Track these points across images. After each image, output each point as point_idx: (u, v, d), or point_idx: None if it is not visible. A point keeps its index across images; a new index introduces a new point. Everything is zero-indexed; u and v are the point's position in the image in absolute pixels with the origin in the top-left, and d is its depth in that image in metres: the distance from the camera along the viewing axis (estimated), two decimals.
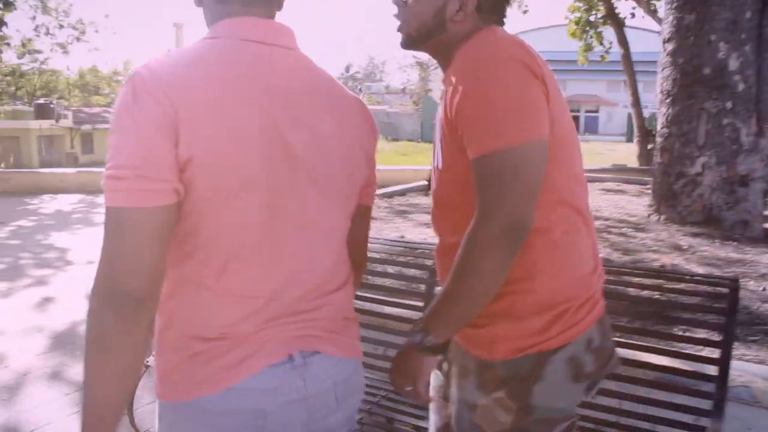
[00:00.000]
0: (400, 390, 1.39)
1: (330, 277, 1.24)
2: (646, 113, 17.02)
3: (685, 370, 2.35)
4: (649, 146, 15.78)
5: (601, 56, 19.09)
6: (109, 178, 1.02)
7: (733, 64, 5.76)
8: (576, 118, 66.08)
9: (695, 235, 5.70)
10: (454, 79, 1.23)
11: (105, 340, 1.02)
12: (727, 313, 2.20)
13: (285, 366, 1.16)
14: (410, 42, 1.37)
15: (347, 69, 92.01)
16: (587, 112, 66.07)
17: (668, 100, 6.13)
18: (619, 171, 13.19)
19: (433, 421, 1.63)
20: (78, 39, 33.22)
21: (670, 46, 6.08)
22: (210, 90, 1.06)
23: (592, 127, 63.65)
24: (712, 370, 2.27)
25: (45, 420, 3.24)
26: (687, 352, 2.62)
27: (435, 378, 1.59)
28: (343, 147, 1.22)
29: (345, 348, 1.27)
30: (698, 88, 5.89)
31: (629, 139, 47.99)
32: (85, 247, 7.45)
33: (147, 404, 3.33)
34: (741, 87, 5.79)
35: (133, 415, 3.03)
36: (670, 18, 6.08)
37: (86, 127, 34.53)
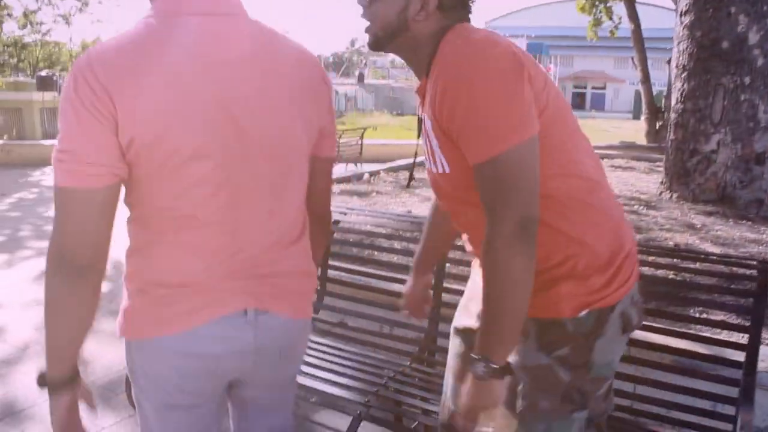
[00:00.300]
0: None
1: (287, 234, 1.33)
2: (653, 91, 16.72)
3: (703, 354, 2.25)
4: (658, 124, 15.57)
5: (611, 31, 18.77)
6: (54, 160, 1.12)
7: (753, 37, 5.58)
8: (582, 95, 65.61)
9: (708, 213, 5.57)
10: (441, 85, 1.23)
11: (56, 301, 1.18)
12: (756, 295, 2.09)
13: (239, 319, 1.28)
14: (377, 43, 1.37)
15: (352, 43, 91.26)
16: (594, 88, 65.47)
17: (684, 75, 5.96)
18: (628, 148, 13.01)
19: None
20: (81, 10, 32.82)
21: (687, 19, 5.89)
22: (148, 72, 1.11)
23: (598, 104, 63.12)
24: (734, 354, 2.17)
25: (42, 396, 3.16)
26: (704, 335, 2.51)
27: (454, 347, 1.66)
28: (291, 106, 1.27)
29: (296, 309, 1.37)
30: (715, 62, 5.72)
31: (636, 117, 47.55)
32: None
33: None
34: (760, 62, 5.62)
35: (131, 392, 2.94)
36: None
37: None
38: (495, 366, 1.25)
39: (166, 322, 1.25)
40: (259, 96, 1.22)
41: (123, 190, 1.21)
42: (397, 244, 3.75)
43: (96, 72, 1.09)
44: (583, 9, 18.32)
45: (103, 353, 3.67)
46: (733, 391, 2.10)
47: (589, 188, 1.35)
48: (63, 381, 1.25)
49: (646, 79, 15.97)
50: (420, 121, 1.41)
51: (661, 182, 6.38)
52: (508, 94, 1.18)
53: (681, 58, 5.99)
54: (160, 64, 1.12)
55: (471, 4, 1.37)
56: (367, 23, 1.37)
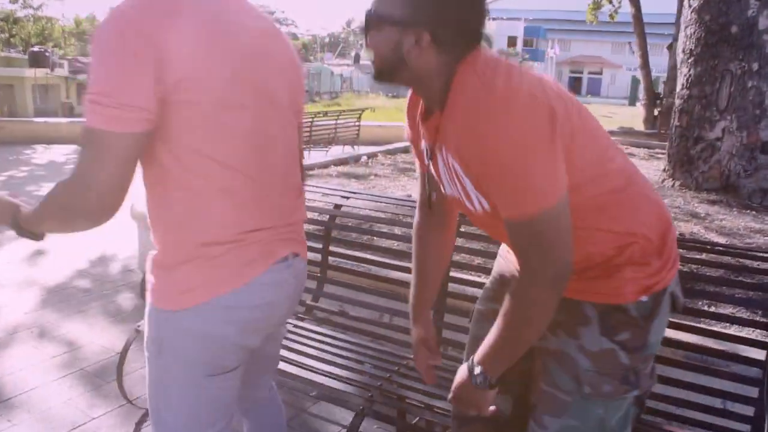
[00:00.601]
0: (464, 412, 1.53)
1: (297, 185, 1.49)
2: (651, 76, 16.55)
3: (718, 351, 2.16)
4: (656, 110, 15.46)
5: (610, 15, 18.59)
6: (91, 102, 1.13)
7: (764, 22, 5.45)
8: (579, 80, 65.41)
9: (712, 202, 5.48)
10: (470, 137, 1.23)
11: (61, 229, 1.33)
12: None
13: (283, 264, 1.40)
14: (380, 76, 1.38)
15: (348, 23, 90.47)
16: (590, 73, 65.27)
17: (690, 60, 5.84)
18: (626, 134, 12.92)
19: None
20: None
21: (695, 3, 5.75)
22: (187, 15, 1.19)
23: (594, 89, 62.95)
24: (748, 351, 2.09)
25: (30, 384, 3.06)
26: (720, 330, 2.43)
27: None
28: (295, 74, 1.45)
29: (306, 251, 1.53)
30: (724, 47, 5.60)
31: (632, 103, 47.45)
32: None
33: (139, 369, 3.15)
34: None
35: (122, 382, 2.85)
36: None
37: (82, 77, 33.90)
38: (492, 381, 1.38)
39: (226, 280, 1.30)
40: (272, 58, 1.36)
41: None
42: (397, 230, 3.64)
43: (137, 17, 1.14)
44: None
45: (93, 339, 3.56)
46: (751, 391, 2.02)
47: (627, 180, 1.37)
48: None
49: (645, 65, 15.81)
50: (427, 152, 1.43)
51: (664, 169, 6.27)
52: (544, 155, 1.18)
53: (688, 43, 5.86)
54: (195, 10, 1.21)
55: (478, 37, 1.30)
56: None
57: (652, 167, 7.40)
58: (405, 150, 8.09)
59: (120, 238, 5.18)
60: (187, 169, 1.25)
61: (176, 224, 1.29)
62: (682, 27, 6.00)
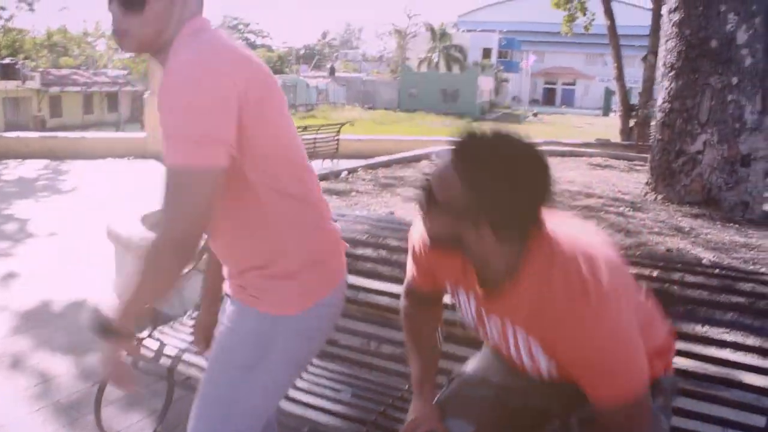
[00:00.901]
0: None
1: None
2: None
3: (716, 377, 2.10)
4: (632, 122, 15.60)
5: (585, 26, 18.81)
6: (181, 141, 1.26)
7: (742, 37, 5.49)
8: (553, 91, 66.14)
9: (695, 216, 5.48)
10: (555, 327, 1.35)
11: (159, 272, 1.34)
12: None
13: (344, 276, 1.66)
14: (437, 247, 1.49)
15: (324, 35, 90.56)
16: (564, 84, 66.00)
17: (672, 74, 5.86)
18: (604, 146, 12.98)
19: None
20: None
21: (676, 17, 5.78)
22: (249, 65, 1.37)
23: (568, 100, 63.62)
24: (746, 377, 2.04)
25: (2, 418, 2.91)
26: (710, 354, 2.37)
27: None
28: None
29: None
30: (704, 61, 5.62)
31: (605, 113, 48.03)
32: (49, 217, 7.00)
33: (116, 401, 3.01)
34: (748, 61, 5.53)
35: (100, 415, 2.71)
36: None
37: (54, 90, 33.46)
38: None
39: (329, 282, 1.57)
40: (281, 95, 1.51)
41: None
42: (384, 251, 3.54)
43: (225, 61, 1.32)
44: (557, 4, 18.31)
45: (68, 368, 3.41)
46: (753, 418, 1.96)
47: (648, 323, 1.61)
48: (128, 332, 1.42)
49: (620, 77, 15.95)
50: (467, 299, 1.55)
51: (646, 183, 6.27)
52: (637, 342, 1.36)
53: (669, 57, 5.88)
54: (248, 59, 1.38)
55: (538, 217, 1.33)
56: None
57: (632, 180, 7.40)
58: (386, 165, 8.01)
59: (96, 260, 5.02)
60: (277, 189, 1.44)
61: (284, 237, 1.48)
62: (663, 41, 6.03)
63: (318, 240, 1.53)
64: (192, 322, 2.76)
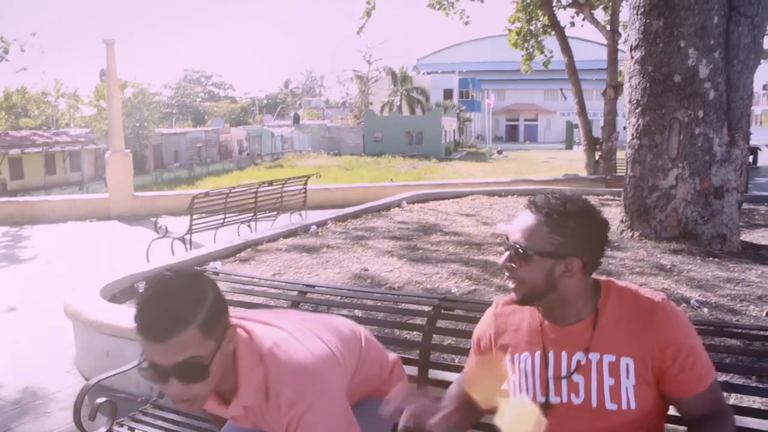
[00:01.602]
0: None
1: None
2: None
3: None
4: (597, 155, 15.74)
5: (544, 63, 19.09)
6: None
7: (703, 71, 5.51)
8: (515, 127, 67.21)
9: (674, 252, 5.39)
10: (651, 332, 1.57)
11: None
12: None
13: None
14: (525, 301, 1.65)
15: (286, 84, 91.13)
16: (526, 120, 67.15)
17: (638, 110, 5.83)
18: (573, 181, 13.05)
19: None
20: (1, 59, 31.64)
21: (638, 54, 5.78)
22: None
23: (531, 135, 64.68)
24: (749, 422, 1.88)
25: None
26: None
27: None
28: None
29: None
30: (669, 96, 5.61)
31: (569, 146, 48.81)
32: (8, 289, 6.68)
33: None
34: (712, 95, 5.54)
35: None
36: (637, 24, 5.78)
37: (14, 152, 32.83)
38: None
39: None
40: None
41: None
42: (359, 312, 3.35)
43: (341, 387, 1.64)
44: (515, 45, 18.57)
45: None
46: None
47: None
48: None
49: (582, 111, 16.14)
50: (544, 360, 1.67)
51: (621, 221, 6.19)
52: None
53: (634, 94, 5.86)
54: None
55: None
56: (513, 284, 1.64)
57: (606, 215, 7.33)
58: (355, 216, 7.85)
59: (56, 337, 4.72)
60: None
61: None
62: (626, 77, 6.02)
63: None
64: (159, 412, 2.52)
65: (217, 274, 2.86)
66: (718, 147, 5.62)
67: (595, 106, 25.91)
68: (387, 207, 8.50)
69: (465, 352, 2.17)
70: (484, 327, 1.83)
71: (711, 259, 5.20)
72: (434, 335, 2.42)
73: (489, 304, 2.44)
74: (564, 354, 1.63)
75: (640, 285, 4.56)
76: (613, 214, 6.73)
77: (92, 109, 41.34)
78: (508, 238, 1.62)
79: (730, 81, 5.63)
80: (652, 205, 5.80)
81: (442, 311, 2.28)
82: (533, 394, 1.67)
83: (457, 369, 2.37)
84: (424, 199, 9.28)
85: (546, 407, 1.65)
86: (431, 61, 69.00)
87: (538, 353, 1.67)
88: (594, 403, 1.59)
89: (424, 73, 61.51)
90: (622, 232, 6.08)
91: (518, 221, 1.62)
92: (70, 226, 11.16)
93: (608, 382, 1.58)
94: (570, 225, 1.56)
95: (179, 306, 1.38)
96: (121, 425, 2.44)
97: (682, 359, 1.54)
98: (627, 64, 5.99)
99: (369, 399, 1.84)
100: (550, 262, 1.57)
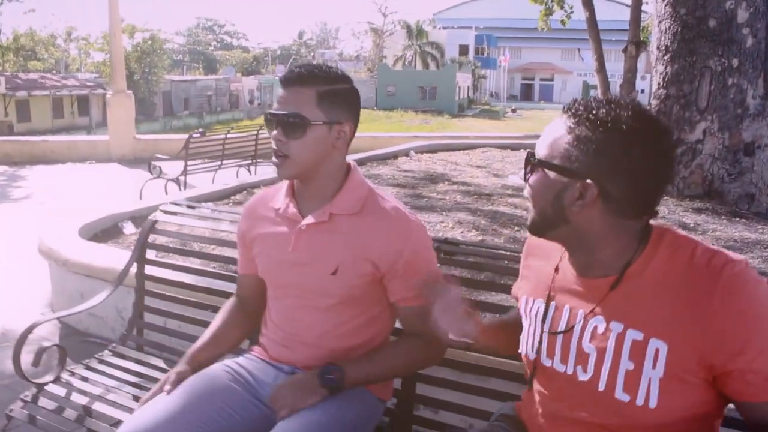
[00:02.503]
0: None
1: None
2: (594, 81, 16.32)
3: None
4: None
5: (562, 21, 18.38)
6: None
7: (742, 15, 5.05)
8: (531, 86, 66.26)
9: (698, 210, 5.03)
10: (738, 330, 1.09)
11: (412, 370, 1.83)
12: None
13: None
14: (535, 228, 1.29)
15: (300, 35, 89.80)
16: (542, 80, 66.07)
17: (666, 57, 5.40)
18: None
19: None
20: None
21: None
22: None
23: (546, 95, 63.65)
24: None
25: None
26: None
27: None
28: None
29: None
30: (701, 42, 5.17)
31: None
32: None
33: None
34: (750, 42, 5.09)
35: None
36: None
37: (21, 94, 32.51)
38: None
39: None
40: None
41: None
42: None
43: None
44: None
45: None
46: None
47: None
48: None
49: (601, 68, 15.47)
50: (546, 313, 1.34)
51: None
52: None
53: (663, 39, 5.41)
54: None
55: (651, 207, 1.21)
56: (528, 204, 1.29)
57: None
58: (360, 163, 7.49)
59: (34, 278, 4.45)
60: None
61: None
62: (656, 22, 5.57)
63: None
64: (116, 360, 2.24)
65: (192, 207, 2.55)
66: (751, 99, 5.20)
67: (613, 68, 25.13)
68: (394, 155, 8.14)
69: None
70: (527, 246, 1.49)
71: (737, 219, 4.84)
72: None
73: (495, 249, 2.14)
74: (579, 312, 1.25)
75: None
76: None
77: (103, 55, 40.79)
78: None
79: None
80: (676, 161, 5.41)
81: (442, 255, 1.95)
82: (536, 349, 1.34)
83: None
84: (433, 150, 8.91)
85: (534, 372, 1.35)
86: (447, 16, 67.56)
87: (555, 302, 1.32)
88: (601, 386, 1.20)
89: (440, 28, 60.27)
90: None
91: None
92: (69, 167, 10.87)
93: (626, 365, 1.17)
94: (597, 138, 1.14)
95: (317, 73, 1.56)
96: (73, 374, 2.14)
97: (750, 357, 1.09)
98: (657, 5, 5.52)
99: (361, 390, 1.63)
100: (561, 181, 1.18)
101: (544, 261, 1.37)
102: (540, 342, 1.33)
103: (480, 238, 4.11)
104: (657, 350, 1.14)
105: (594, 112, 1.16)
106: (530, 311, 1.37)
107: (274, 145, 1.57)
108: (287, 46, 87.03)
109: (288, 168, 1.58)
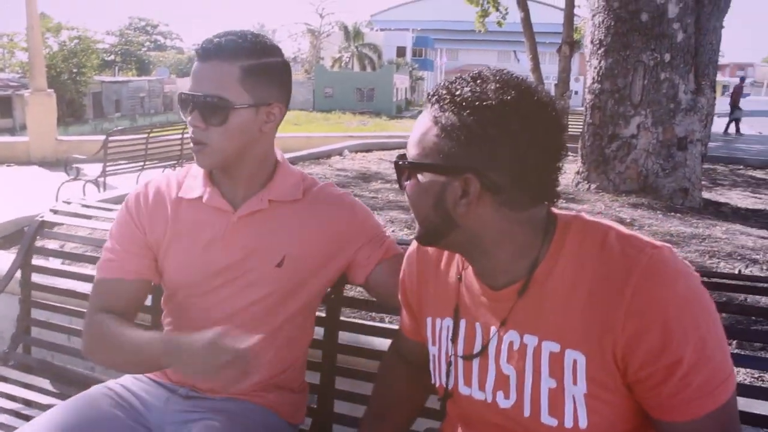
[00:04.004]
0: None
1: None
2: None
3: None
4: None
5: (498, 22, 18.60)
6: None
7: (673, 9, 5.04)
8: None
9: (634, 205, 4.99)
10: (640, 325, 0.93)
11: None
12: None
13: None
14: (426, 241, 1.11)
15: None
16: None
17: (600, 51, 5.35)
18: None
19: None
20: None
21: None
22: None
23: None
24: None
25: None
26: None
27: None
28: None
29: None
30: (635, 36, 5.14)
31: None
32: None
33: None
34: (680, 36, 5.09)
35: None
36: None
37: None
38: None
39: None
40: None
41: None
42: None
43: None
44: (470, 0, 18.01)
45: None
46: None
47: None
48: None
49: (536, 68, 15.66)
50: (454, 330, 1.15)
51: (578, 172, 5.75)
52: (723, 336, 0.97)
53: (597, 33, 5.36)
54: None
55: (546, 191, 1.02)
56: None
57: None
58: (292, 162, 7.24)
59: None
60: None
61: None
62: (590, 15, 5.53)
63: None
64: None
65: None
66: (683, 94, 5.20)
67: (548, 70, 25.63)
68: (327, 155, 7.93)
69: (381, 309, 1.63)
70: (407, 267, 1.28)
71: (673, 213, 4.82)
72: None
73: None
74: (492, 328, 1.08)
75: None
76: (568, 168, 6.31)
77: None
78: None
79: (700, 23, 5.19)
80: (611, 156, 5.37)
81: None
82: (438, 381, 1.18)
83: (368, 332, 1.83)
84: (367, 149, 8.73)
85: (446, 400, 1.17)
86: (385, 18, 67.75)
87: (462, 319, 1.14)
88: (526, 411, 1.04)
89: (377, 30, 60.30)
90: (578, 184, 5.65)
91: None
92: None
93: (547, 383, 1.02)
94: (466, 122, 0.96)
95: (241, 44, 1.31)
96: None
97: (667, 363, 0.92)
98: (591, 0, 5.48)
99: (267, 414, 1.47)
100: (438, 182, 1.00)
101: (438, 270, 1.20)
102: (455, 367, 1.14)
103: (412, 236, 3.93)
104: (575, 362, 0.99)
105: (458, 93, 0.98)
106: (438, 334, 1.18)
107: (190, 132, 1.33)
108: None
109: (208, 157, 1.35)
